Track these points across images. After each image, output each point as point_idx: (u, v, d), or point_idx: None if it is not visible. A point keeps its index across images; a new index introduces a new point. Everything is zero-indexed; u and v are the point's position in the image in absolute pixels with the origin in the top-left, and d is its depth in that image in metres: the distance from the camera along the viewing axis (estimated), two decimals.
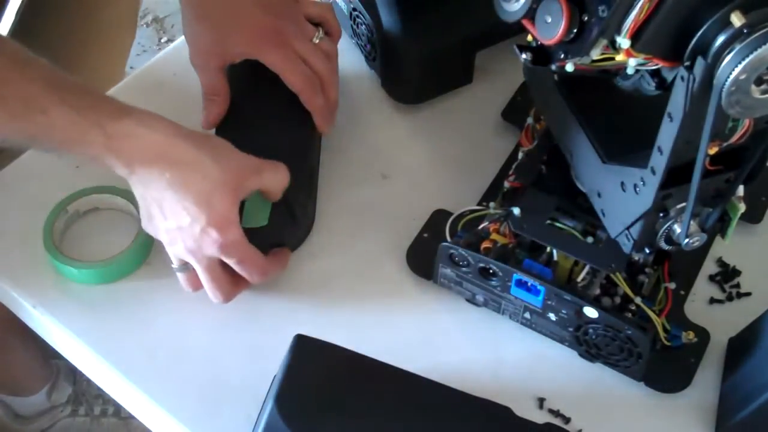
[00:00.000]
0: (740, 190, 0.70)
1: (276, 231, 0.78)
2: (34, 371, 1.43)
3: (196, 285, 0.77)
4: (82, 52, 1.14)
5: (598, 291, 0.75)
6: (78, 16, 1.13)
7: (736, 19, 0.54)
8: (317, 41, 0.85)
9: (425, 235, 0.83)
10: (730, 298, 0.81)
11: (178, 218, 0.71)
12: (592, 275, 0.75)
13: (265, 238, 0.77)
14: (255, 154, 0.78)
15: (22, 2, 1.05)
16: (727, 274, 0.82)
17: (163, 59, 0.99)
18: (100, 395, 1.47)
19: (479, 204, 0.84)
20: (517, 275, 0.74)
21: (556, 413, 0.74)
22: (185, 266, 0.76)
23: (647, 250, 0.71)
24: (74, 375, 1.47)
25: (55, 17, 1.10)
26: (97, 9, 1.15)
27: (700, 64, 0.56)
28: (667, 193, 0.66)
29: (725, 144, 0.63)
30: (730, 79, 0.54)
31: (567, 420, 0.74)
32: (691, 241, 0.67)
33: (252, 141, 0.78)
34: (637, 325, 0.71)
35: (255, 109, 0.85)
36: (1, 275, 0.81)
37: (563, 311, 0.74)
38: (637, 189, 0.67)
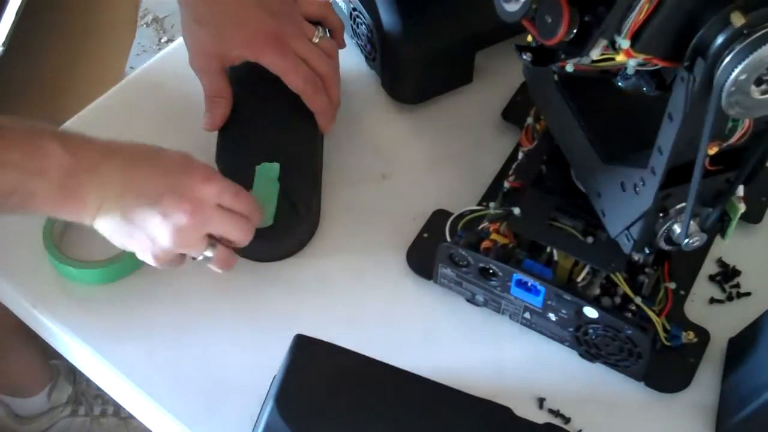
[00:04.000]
0: (740, 190, 0.70)
1: (282, 231, 0.78)
2: (35, 373, 1.43)
3: (229, 258, 0.75)
4: (82, 52, 1.14)
5: (598, 291, 0.75)
6: (78, 16, 1.13)
7: (736, 20, 0.54)
8: (317, 40, 0.85)
9: (425, 235, 0.83)
10: (730, 298, 0.81)
11: (159, 212, 0.70)
12: (592, 275, 0.75)
13: (272, 238, 0.77)
14: (259, 154, 0.78)
15: (22, 2, 1.05)
16: (727, 274, 0.82)
17: (163, 59, 0.99)
18: (100, 395, 1.47)
19: (479, 204, 0.84)
20: (517, 275, 0.74)
21: (556, 413, 0.74)
22: (211, 245, 0.74)
23: (647, 250, 0.71)
24: (74, 375, 1.47)
25: (55, 17, 1.10)
26: (97, 9, 1.15)
27: (700, 64, 0.56)
28: (667, 193, 0.66)
29: (725, 144, 0.63)
30: (729, 80, 0.54)
31: (567, 420, 0.74)
32: (691, 241, 0.67)
33: (256, 141, 0.78)
34: (637, 325, 0.71)
35: (258, 110, 0.85)
36: (1, 275, 0.81)
37: (563, 311, 0.74)
38: (637, 189, 0.67)
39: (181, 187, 0.71)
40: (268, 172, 0.80)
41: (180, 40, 1.01)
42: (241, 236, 0.74)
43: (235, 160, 0.82)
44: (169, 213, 0.70)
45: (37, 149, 0.66)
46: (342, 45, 0.91)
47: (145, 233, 0.71)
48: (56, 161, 0.67)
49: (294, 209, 0.79)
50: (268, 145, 0.80)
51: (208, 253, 0.74)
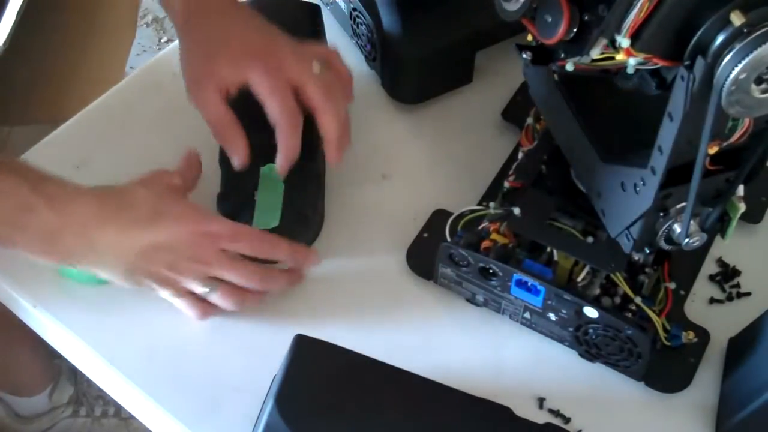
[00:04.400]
0: (740, 190, 0.70)
1: (287, 232, 0.78)
2: (38, 371, 1.43)
3: (238, 293, 0.76)
4: (82, 52, 1.14)
5: (598, 291, 0.75)
6: (78, 16, 1.13)
7: (736, 19, 0.54)
8: (317, 69, 0.79)
9: (425, 235, 0.83)
10: (730, 298, 0.81)
11: (168, 255, 0.71)
12: (592, 275, 0.75)
13: None
14: (263, 156, 0.77)
15: (23, 2, 1.05)
16: (727, 274, 0.82)
17: (163, 59, 0.99)
18: (101, 396, 1.47)
19: (479, 204, 0.84)
20: (517, 275, 0.74)
21: (556, 413, 0.74)
22: (211, 284, 0.74)
23: (647, 250, 0.71)
24: (75, 375, 1.47)
25: (55, 17, 1.11)
26: (97, 9, 1.16)
27: (700, 63, 0.56)
28: (667, 193, 0.66)
29: (725, 144, 0.63)
30: (730, 79, 0.54)
31: (567, 420, 0.74)
32: (691, 241, 0.67)
33: (260, 144, 0.77)
34: (637, 325, 0.71)
35: (261, 112, 0.85)
36: (1, 275, 0.81)
37: (563, 311, 0.74)
38: (637, 189, 0.67)
39: (179, 244, 0.71)
40: (273, 174, 0.80)
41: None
42: (250, 280, 0.75)
43: None
44: (169, 277, 0.72)
45: (22, 205, 0.66)
46: (349, 98, 0.83)
47: (147, 285, 0.73)
48: (40, 220, 0.67)
49: (299, 209, 0.79)
50: (272, 148, 0.79)
51: (211, 293, 0.75)
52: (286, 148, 0.76)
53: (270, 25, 0.79)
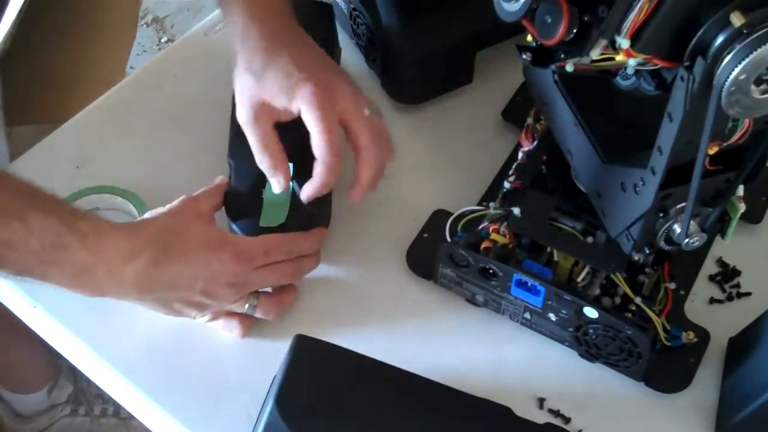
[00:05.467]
0: (740, 190, 0.70)
1: (294, 230, 0.78)
2: (39, 368, 1.43)
3: (279, 302, 0.78)
4: (83, 52, 1.14)
5: (598, 291, 0.75)
6: (79, 16, 1.13)
7: (736, 19, 0.54)
8: (368, 113, 0.77)
9: (425, 235, 0.83)
10: (730, 298, 0.81)
11: (203, 280, 0.71)
12: (592, 275, 0.75)
13: None
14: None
15: (23, 2, 1.05)
16: (727, 274, 0.82)
17: (163, 59, 0.99)
18: (100, 395, 1.47)
19: (479, 204, 0.84)
20: (517, 275, 0.74)
21: (556, 413, 0.74)
22: (250, 299, 0.76)
23: (647, 250, 0.71)
24: (75, 374, 1.47)
25: (56, 17, 1.11)
26: (98, 9, 1.16)
27: (699, 64, 0.56)
28: (667, 193, 0.66)
29: (725, 144, 0.63)
30: (729, 79, 0.54)
31: (567, 420, 0.74)
32: (691, 241, 0.67)
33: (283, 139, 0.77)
34: (637, 325, 0.71)
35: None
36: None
37: (563, 311, 0.74)
38: (637, 189, 0.67)
39: (214, 274, 0.71)
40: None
41: (180, 40, 1.01)
42: (286, 279, 0.77)
43: (248, 159, 0.79)
44: (206, 303, 0.73)
45: (57, 244, 0.66)
46: (392, 152, 0.79)
47: (186, 313, 0.74)
48: (73, 257, 0.67)
49: (307, 214, 0.79)
50: (288, 148, 0.77)
51: (250, 305, 0.76)
52: (321, 185, 0.75)
53: (330, 59, 0.79)
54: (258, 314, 0.76)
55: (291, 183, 0.79)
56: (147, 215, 0.75)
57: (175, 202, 0.75)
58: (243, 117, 0.76)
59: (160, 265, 0.69)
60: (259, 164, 0.76)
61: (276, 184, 0.77)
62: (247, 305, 0.75)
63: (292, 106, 0.74)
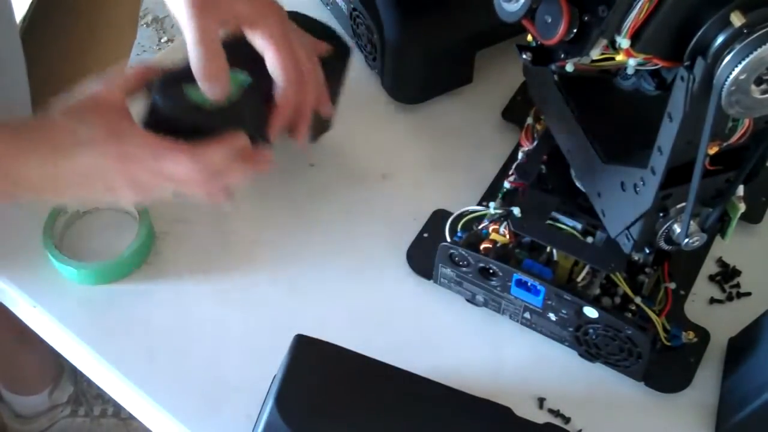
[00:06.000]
0: (740, 190, 0.70)
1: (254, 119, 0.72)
2: (42, 371, 1.43)
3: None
4: (84, 53, 1.14)
5: (598, 291, 0.75)
6: (80, 16, 1.13)
7: (736, 19, 0.54)
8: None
9: (425, 235, 0.83)
10: (730, 298, 0.81)
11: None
12: (592, 275, 0.75)
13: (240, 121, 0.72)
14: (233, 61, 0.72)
15: (29, 6, 1.05)
16: (727, 274, 0.82)
17: (163, 59, 0.99)
18: (100, 395, 1.47)
19: (479, 204, 0.84)
20: (517, 275, 0.74)
21: (556, 413, 0.74)
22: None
23: (647, 250, 0.71)
24: (76, 375, 1.47)
25: (57, 19, 1.11)
26: (99, 10, 1.15)
27: (699, 64, 0.56)
28: (667, 193, 0.66)
29: (725, 144, 0.63)
30: (729, 79, 0.54)
31: (567, 420, 0.74)
32: (691, 241, 0.67)
33: (232, 49, 0.72)
34: (637, 325, 0.71)
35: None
36: (1, 275, 0.81)
37: (563, 311, 0.74)
38: (637, 189, 0.67)
39: (102, 171, 0.68)
40: (237, 79, 0.73)
41: (180, 40, 1.01)
42: (193, 188, 0.70)
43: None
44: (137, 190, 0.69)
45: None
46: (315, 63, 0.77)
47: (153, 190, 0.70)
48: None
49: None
50: (243, 58, 0.72)
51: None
52: (286, 104, 0.73)
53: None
54: (230, 175, 0.71)
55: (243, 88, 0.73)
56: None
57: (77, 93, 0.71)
58: (190, 16, 0.71)
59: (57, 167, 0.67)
60: (193, 64, 0.70)
61: (209, 90, 0.70)
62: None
63: (248, 14, 0.71)
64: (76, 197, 0.72)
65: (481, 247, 0.76)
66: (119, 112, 0.70)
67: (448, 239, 0.80)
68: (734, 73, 0.54)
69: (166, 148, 0.69)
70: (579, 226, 0.75)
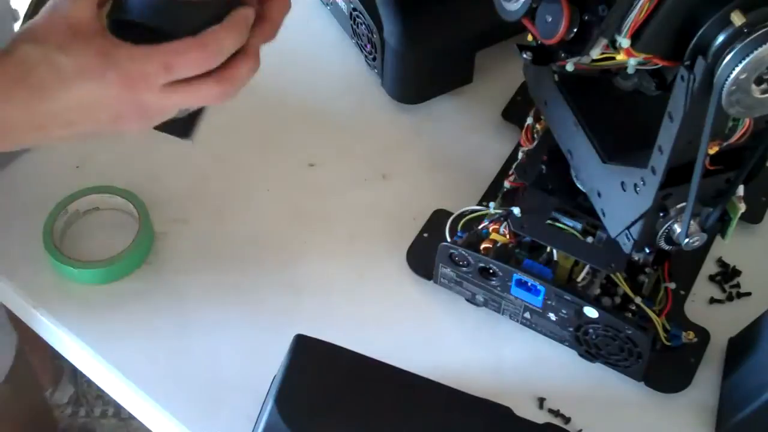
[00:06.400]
0: (740, 190, 0.70)
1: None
2: (43, 373, 1.43)
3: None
4: None
5: (598, 291, 0.75)
6: None
7: (736, 19, 0.54)
8: None
9: (425, 235, 0.83)
10: (730, 298, 0.81)
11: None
12: (592, 275, 0.75)
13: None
14: None
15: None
16: (727, 274, 0.82)
17: None
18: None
19: (479, 204, 0.84)
20: (517, 275, 0.74)
21: (556, 413, 0.74)
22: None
23: (647, 250, 0.70)
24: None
25: None
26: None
27: (700, 63, 0.56)
28: (667, 193, 0.66)
29: (725, 144, 0.63)
30: (730, 79, 0.54)
31: (567, 420, 0.74)
32: (691, 240, 0.67)
33: None
34: (637, 325, 0.71)
35: None
36: (1, 275, 0.81)
37: (563, 311, 0.74)
38: (637, 189, 0.67)
39: (106, 110, 0.59)
40: None
41: None
42: (213, 98, 0.61)
43: None
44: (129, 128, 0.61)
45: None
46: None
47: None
48: None
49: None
50: None
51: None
52: None
53: None
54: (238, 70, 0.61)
55: None
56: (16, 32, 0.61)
57: (40, 15, 0.61)
58: None
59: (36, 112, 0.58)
60: None
61: None
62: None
63: None
64: (73, 136, 0.60)
65: (481, 247, 0.76)
66: (98, 31, 0.59)
67: (448, 239, 0.80)
68: (734, 73, 0.54)
69: (173, 52, 0.58)
70: (579, 226, 0.75)
